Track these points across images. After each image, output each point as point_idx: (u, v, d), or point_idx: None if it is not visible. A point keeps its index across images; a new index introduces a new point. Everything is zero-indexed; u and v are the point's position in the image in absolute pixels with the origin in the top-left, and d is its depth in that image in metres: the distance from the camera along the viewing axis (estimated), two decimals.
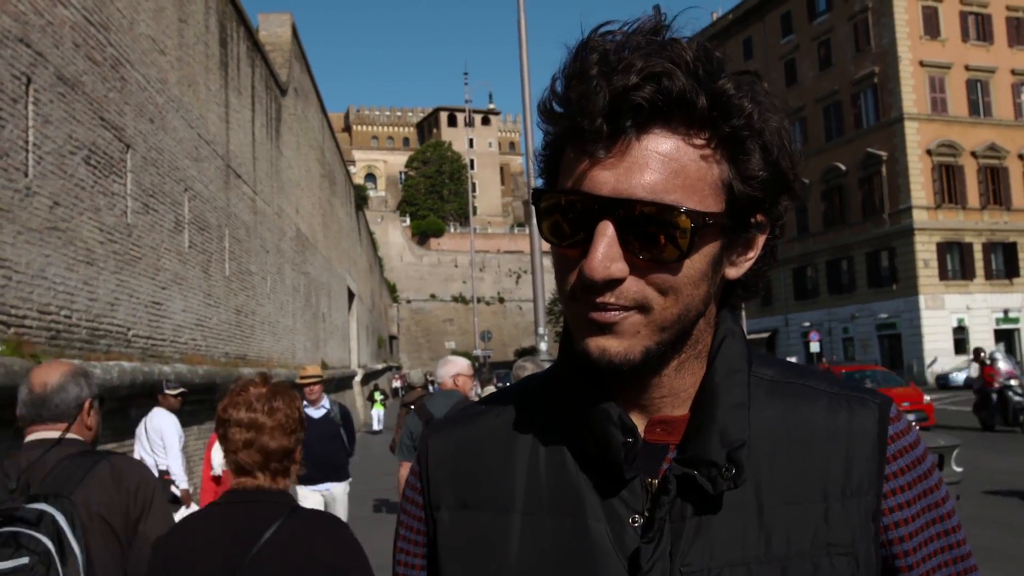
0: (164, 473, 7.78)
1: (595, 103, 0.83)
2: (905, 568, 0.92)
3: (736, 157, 0.87)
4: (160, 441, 7.74)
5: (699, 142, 0.85)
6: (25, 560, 2.13)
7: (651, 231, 0.83)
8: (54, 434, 2.61)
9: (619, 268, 0.84)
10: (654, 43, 0.85)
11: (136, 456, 7.69)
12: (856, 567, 0.88)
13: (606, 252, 0.83)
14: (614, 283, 0.84)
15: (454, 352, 77.59)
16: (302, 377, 8.17)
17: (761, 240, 0.94)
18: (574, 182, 0.87)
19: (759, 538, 0.88)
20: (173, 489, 7.79)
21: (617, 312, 0.85)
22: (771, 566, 0.87)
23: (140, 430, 7.97)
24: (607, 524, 0.90)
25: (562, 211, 0.87)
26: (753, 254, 0.94)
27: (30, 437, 2.66)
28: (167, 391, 7.96)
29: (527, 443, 0.97)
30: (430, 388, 14.73)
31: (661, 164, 0.83)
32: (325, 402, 8.10)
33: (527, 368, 5.99)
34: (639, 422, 0.94)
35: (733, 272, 0.93)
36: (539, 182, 0.96)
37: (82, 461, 2.53)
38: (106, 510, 2.46)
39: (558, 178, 0.91)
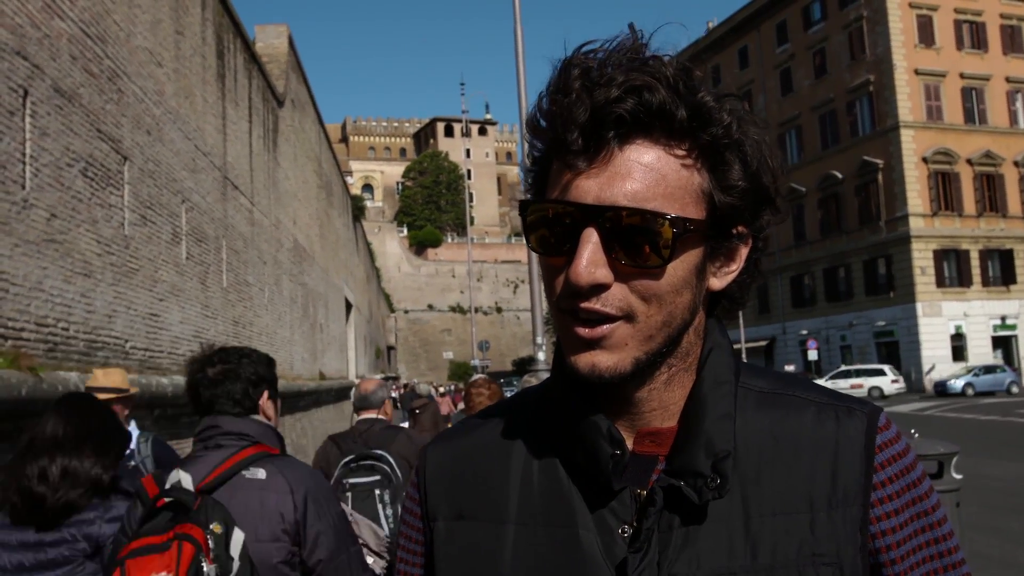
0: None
1: (578, 116, 0.86)
2: None
3: (716, 167, 0.90)
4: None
5: (680, 152, 0.88)
6: (377, 477, 3.83)
7: (634, 238, 0.86)
8: (372, 415, 4.66)
9: (603, 274, 0.86)
10: (636, 60, 0.88)
11: None
12: None
13: (591, 258, 0.85)
14: (599, 289, 0.86)
15: (452, 362, 78.04)
16: (87, 389, 4.72)
17: (744, 252, 0.95)
18: (559, 192, 0.89)
19: (745, 548, 0.89)
20: None
21: (605, 326, 0.87)
22: None
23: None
24: (597, 534, 0.91)
25: (548, 221, 0.90)
26: (736, 266, 0.95)
27: (360, 417, 4.69)
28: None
29: (521, 455, 0.99)
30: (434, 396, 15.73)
31: (643, 173, 0.86)
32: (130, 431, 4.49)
33: (532, 383, 6.36)
34: (628, 434, 0.96)
35: (717, 283, 0.95)
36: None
37: (390, 430, 4.59)
38: (407, 455, 4.27)
39: (545, 192, 0.93)
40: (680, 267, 0.89)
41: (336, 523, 2.55)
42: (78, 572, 2.76)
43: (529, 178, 0.98)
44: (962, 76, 44.03)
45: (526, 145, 0.99)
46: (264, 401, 2.69)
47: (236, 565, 2.24)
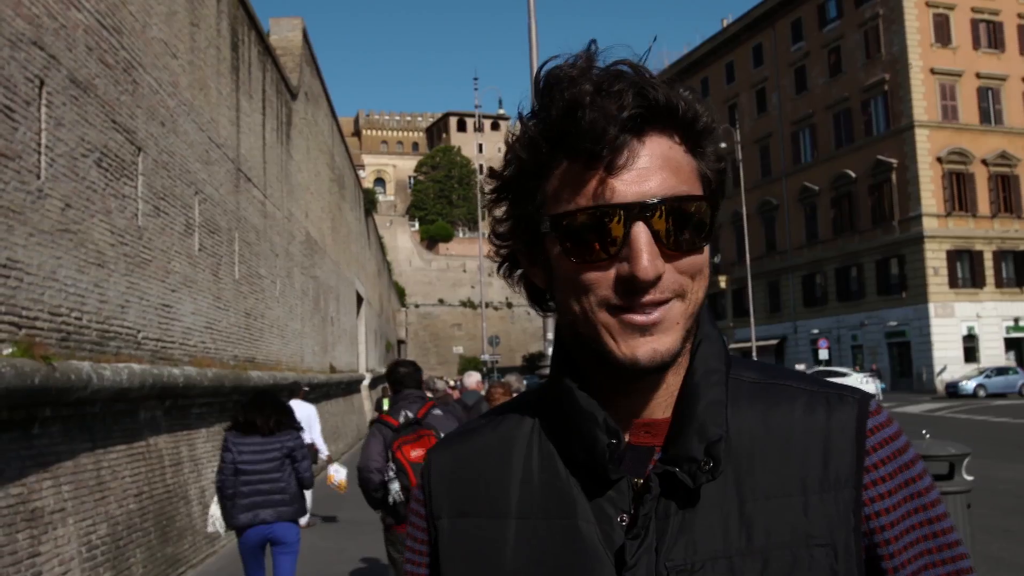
0: (311, 446, 11.22)
1: (597, 123, 0.90)
2: (887, 557, 0.95)
3: (699, 153, 0.97)
4: (308, 422, 11.33)
5: (678, 141, 0.95)
6: None
7: (679, 223, 0.92)
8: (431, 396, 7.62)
9: (662, 264, 0.91)
10: (618, 65, 0.94)
11: None
12: (835, 558, 0.91)
13: (650, 251, 0.89)
14: (658, 279, 0.91)
15: (462, 356, 78.30)
16: None
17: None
18: (591, 198, 0.92)
19: (740, 532, 0.92)
20: (322, 456, 11.94)
21: (660, 308, 0.91)
22: (752, 558, 0.91)
23: None
24: (596, 524, 0.94)
25: (586, 228, 0.92)
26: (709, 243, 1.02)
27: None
28: (304, 388, 12.91)
29: (522, 451, 1.03)
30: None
31: (664, 164, 0.92)
32: None
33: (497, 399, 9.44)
34: (624, 426, 0.98)
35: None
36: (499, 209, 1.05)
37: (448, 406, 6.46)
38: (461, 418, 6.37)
39: (548, 200, 0.96)
40: (708, 244, 0.96)
41: None
42: (283, 465, 6.21)
43: (506, 191, 1.02)
44: (978, 76, 43.74)
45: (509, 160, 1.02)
46: (424, 382, 6.14)
47: None
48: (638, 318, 0.91)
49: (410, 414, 5.44)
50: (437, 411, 5.60)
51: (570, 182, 0.93)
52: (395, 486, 5.30)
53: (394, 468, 5.31)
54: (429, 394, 7.73)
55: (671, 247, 0.91)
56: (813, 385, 1.00)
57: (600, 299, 0.92)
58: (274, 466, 6.15)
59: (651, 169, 0.91)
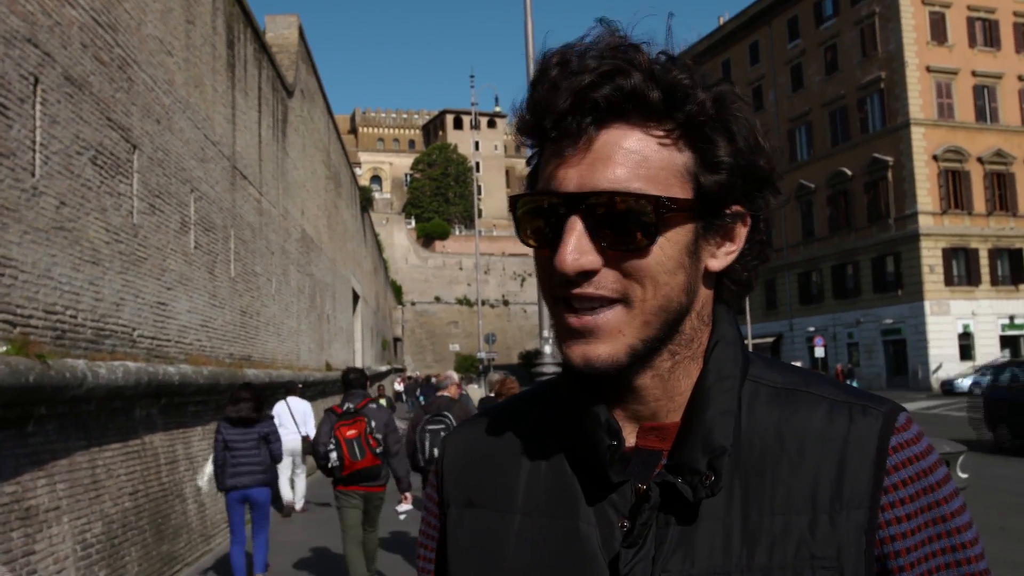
0: (307, 437, 12.67)
1: (555, 103, 0.87)
2: None
3: (697, 145, 0.89)
4: (304, 416, 13.13)
5: (659, 133, 0.88)
6: (443, 425, 7.89)
7: (617, 220, 0.86)
8: (443, 393, 8.66)
9: (590, 260, 0.86)
10: (616, 49, 0.89)
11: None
12: None
13: (575, 245, 0.86)
14: (588, 275, 0.87)
15: (458, 354, 78.35)
16: None
17: (742, 232, 0.94)
18: (544, 184, 0.91)
19: (742, 547, 0.87)
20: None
21: (597, 312, 0.88)
22: None
23: (282, 411, 12.93)
24: (597, 527, 0.91)
25: (535, 213, 0.91)
26: (736, 247, 0.94)
27: (437, 394, 8.77)
28: (298, 386, 14.37)
29: (531, 446, 1.01)
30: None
31: (623, 156, 0.87)
32: None
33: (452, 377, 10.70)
34: (632, 428, 0.95)
35: (715, 264, 0.94)
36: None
37: (452, 401, 8.50)
38: (460, 415, 7.97)
39: (537, 185, 0.95)
40: (668, 247, 0.88)
41: (390, 421, 7.84)
42: (259, 446, 8.25)
43: (528, 176, 1.01)
44: (974, 74, 43.80)
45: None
46: (368, 384, 8.17)
47: (375, 432, 7.58)
48: (572, 320, 0.89)
49: (351, 406, 7.63)
50: (373, 405, 7.79)
51: (544, 164, 0.93)
52: (333, 455, 7.47)
53: (333, 443, 7.45)
54: (444, 394, 9.38)
55: (608, 245, 0.87)
56: (839, 393, 0.93)
57: (548, 288, 0.91)
58: (252, 445, 8.21)
59: (604, 160, 0.87)
